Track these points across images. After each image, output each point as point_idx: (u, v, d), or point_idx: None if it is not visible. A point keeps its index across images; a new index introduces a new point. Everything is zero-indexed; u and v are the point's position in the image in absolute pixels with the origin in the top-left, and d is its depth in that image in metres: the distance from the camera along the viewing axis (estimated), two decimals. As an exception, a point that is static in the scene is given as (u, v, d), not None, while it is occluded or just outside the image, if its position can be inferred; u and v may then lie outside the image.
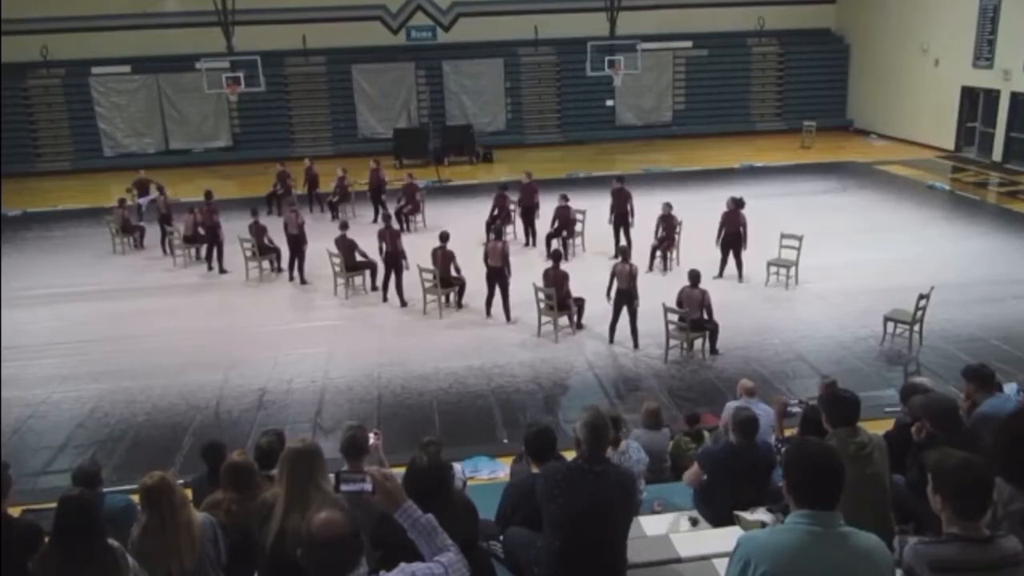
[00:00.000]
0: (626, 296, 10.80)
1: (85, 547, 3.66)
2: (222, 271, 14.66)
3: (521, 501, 4.53)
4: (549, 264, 11.41)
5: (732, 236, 12.97)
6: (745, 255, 13.01)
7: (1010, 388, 6.20)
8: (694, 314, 10.38)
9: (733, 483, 5.21)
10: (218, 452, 5.39)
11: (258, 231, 14.24)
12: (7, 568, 3.80)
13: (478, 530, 4.15)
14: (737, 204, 13.03)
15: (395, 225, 13.99)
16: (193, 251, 15.39)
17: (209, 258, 14.90)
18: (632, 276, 10.77)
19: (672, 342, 10.53)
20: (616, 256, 13.13)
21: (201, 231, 15.08)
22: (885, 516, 4.05)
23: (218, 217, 14.91)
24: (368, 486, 2.75)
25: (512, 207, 15.95)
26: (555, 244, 14.46)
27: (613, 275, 10.92)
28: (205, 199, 15.30)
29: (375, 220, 16.59)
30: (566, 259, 13.54)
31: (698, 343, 10.60)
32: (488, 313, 12.02)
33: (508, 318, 11.81)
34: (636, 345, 10.73)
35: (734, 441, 5.44)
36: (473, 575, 3.57)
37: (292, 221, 13.90)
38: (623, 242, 14.37)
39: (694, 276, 10.50)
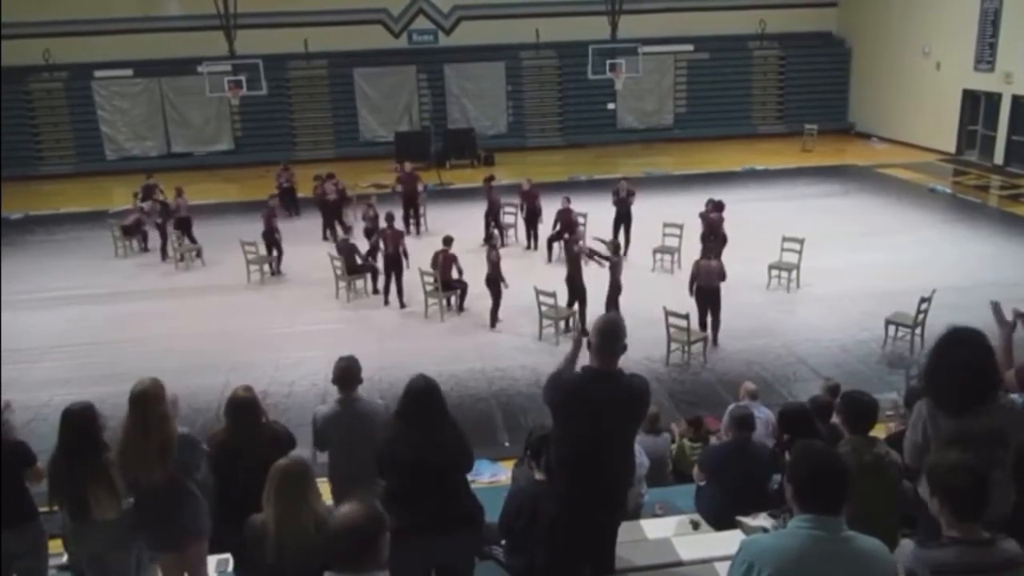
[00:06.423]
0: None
1: (84, 450, 4.42)
2: (192, 240, 15.63)
3: (524, 507, 4.53)
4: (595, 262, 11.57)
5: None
6: (739, 256, 13.05)
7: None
8: (713, 283, 10.78)
9: (729, 482, 5.22)
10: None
11: (269, 227, 14.43)
12: (5, 479, 4.55)
13: (471, 461, 4.28)
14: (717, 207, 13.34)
15: (398, 226, 13.92)
16: (194, 254, 15.45)
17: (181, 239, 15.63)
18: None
19: (673, 345, 10.54)
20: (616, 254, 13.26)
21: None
22: (893, 528, 4.04)
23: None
24: None
25: (512, 210, 16.02)
26: (556, 247, 14.54)
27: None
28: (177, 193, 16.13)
29: (324, 237, 16.18)
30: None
31: (697, 347, 10.61)
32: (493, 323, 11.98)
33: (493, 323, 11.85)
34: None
35: (731, 438, 5.48)
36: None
37: (366, 215, 14.55)
38: (622, 241, 14.45)
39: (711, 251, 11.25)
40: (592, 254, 11.52)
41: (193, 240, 15.71)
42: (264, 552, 3.52)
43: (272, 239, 14.46)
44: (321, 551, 2.87)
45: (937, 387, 3.74)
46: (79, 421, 4.47)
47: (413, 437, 4.06)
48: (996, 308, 4.47)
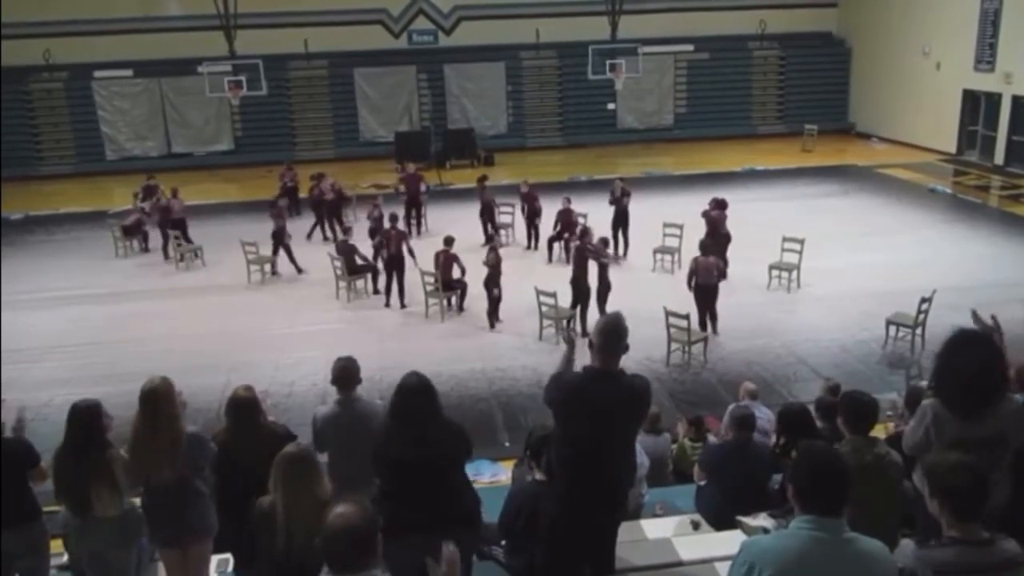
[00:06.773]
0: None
1: (89, 447, 4.52)
2: (188, 241, 15.57)
3: (524, 507, 4.53)
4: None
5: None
6: (740, 256, 13.06)
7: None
8: (711, 279, 10.84)
9: (730, 482, 5.22)
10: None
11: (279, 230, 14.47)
12: (7, 479, 4.56)
13: (470, 450, 4.27)
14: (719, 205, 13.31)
15: (401, 226, 13.88)
16: (194, 254, 15.44)
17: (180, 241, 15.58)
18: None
19: (673, 345, 10.54)
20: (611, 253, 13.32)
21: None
22: (893, 528, 4.04)
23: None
24: None
25: (509, 210, 16.03)
26: (556, 247, 14.54)
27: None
28: (173, 194, 16.06)
29: (325, 237, 16.28)
30: (568, 262, 13.54)
31: (697, 347, 10.61)
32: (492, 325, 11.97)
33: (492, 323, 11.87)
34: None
35: (731, 438, 5.49)
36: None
37: (371, 215, 14.64)
38: (622, 242, 14.48)
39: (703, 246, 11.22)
40: (593, 251, 11.53)
41: (189, 240, 15.70)
42: (272, 536, 3.54)
43: (281, 239, 14.44)
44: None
45: (945, 389, 3.75)
46: (86, 418, 4.57)
47: (406, 435, 4.05)
48: (976, 316, 4.46)
